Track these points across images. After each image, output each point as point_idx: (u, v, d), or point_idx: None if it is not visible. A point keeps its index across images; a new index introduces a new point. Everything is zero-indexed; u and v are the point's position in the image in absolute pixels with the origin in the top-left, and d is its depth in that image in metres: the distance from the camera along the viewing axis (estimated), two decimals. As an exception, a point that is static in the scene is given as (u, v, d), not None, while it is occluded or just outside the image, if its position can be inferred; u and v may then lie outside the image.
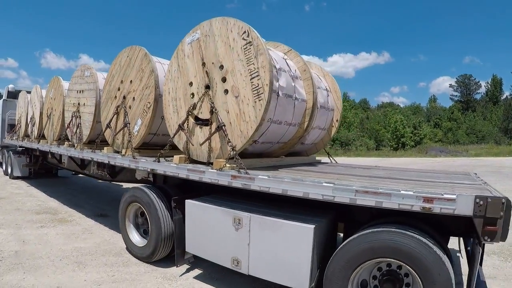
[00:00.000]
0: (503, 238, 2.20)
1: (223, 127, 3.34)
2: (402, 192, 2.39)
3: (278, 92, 3.45)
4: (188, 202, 3.56)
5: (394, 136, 41.85)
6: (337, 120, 5.18)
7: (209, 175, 3.30)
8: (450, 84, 71.03)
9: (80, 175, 9.78)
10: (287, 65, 3.87)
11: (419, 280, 2.36)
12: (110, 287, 3.66)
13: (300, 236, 2.73)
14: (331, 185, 2.59)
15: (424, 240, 2.38)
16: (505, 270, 4.29)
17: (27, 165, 10.61)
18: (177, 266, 3.88)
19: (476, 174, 4.13)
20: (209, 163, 3.59)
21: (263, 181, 2.89)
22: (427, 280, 2.33)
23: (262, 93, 3.12)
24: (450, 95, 67.10)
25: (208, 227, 3.34)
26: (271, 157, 4.28)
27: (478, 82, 64.00)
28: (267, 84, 3.09)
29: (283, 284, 2.92)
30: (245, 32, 3.33)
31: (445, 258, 2.36)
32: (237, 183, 3.08)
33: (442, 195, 2.29)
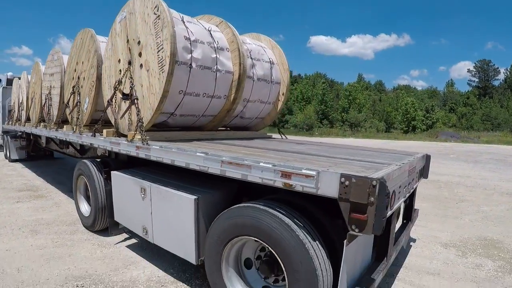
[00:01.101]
0: (377, 230, 1.82)
1: (135, 100, 3.50)
2: (261, 164, 2.17)
3: (190, 64, 3.54)
4: (114, 174, 3.75)
5: (405, 119, 40.85)
6: (283, 94, 5.17)
7: (123, 147, 3.50)
8: (468, 69, 68.32)
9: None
10: (211, 36, 3.92)
11: (282, 266, 2.14)
12: (50, 251, 3.99)
13: (184, 207, 2.71)
14: (203, 155, 2.53)
15: (287, 221, 2.10)
16: (456, 267, 3.77)
17: (22, 147, 11.18)
18: (110, 235, 4.14)
19: (429, 155, 3.64)
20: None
21: (156, 151, 3.02)
22: (289, 266, 2.10)
23: (164, 65, 3.23)
24: (468, 80, 65.11)
25: (126, 197, 3.53)
26: (204, 131, 4.40)
27: (497, 68, 61.37)
28: (168, 56, 3.19)
29: (178, 256, 2.94)
30: (156, 6, 3.42)
31: (311, 245, 2.04)
32: (141, 154, 3.23)
33: (301, 170, 1.99)
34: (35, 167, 10.45)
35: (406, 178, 2.57)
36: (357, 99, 44.20)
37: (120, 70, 3.98)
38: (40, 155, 11.76)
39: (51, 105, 6.74)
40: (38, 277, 3.34)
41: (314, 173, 1.93)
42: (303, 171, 1.98)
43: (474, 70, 63.47)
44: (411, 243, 4.44)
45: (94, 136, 4.24)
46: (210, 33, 3.94)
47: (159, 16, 3.36)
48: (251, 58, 4.53)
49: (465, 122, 46.62)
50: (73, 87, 5.45)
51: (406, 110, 40.92)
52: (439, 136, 33.95)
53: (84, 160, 4.61)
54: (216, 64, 3.85)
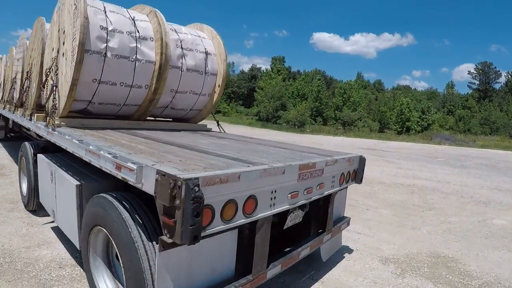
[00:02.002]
0: (185, 239, 1.62)
1: (54, 87, 3.82)
2: (105, 155, 2.20)
3: (105, 54, 3.84)
4: (39, 156, 3.89)
5: (399, 120, 40.83)
6: (219, 86, 5.39)
7: (41, 131, 3.83)
8: (468, 71, 67.73)
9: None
10: (134, 26, 4.17)
11: (120, 261, 2.07)
12: (-18, 226, 4.31)
13: (69, 192, 2.77)
14: (77, 142, 2.68)
15: (125, 215, 2.01)
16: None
17: (0, 128, 11.60)
18: (38, 215, 4.44)
19: (363, 158, 3.48)
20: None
21: (56, 137, 3.32)
22: (124, 263, 2.02)
23: (74, 54, 3.54)
24: (468, 82, 64.50)
25: (44, 179, 3.70)
26: (131, 120, 4.66)
27: (498, 71, 60.88)
28: (77, 45, 3.50)
29: (71, 240, 3.01)
30: (77, -3, 3.73)
31: (143, 245, 1.91)
32: (51, 138, 3.53)
33: (126, 163, 1.93)
34: (10, 147, 10.80)
35: (290, 182, 2.37)
36: (351, 97, 44.14)
37: (54, 58, 4.29)
38: (22, 137, 12.10)
39: (15, 89, 7.10)
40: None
41: (135, 167, 1.87)
42: (128, 164, 1.93)
43: (475, 72, 63.01)
44: (346, 254, 4.09)
45: (30, 120, 4.57)
46: (134, 22, 4.19)
47: (76, 6, 3.65)
48: (181, 48, 4.76)
49: (462, 125, 46.46)
50: (27, 72, 5.79)
51: (401, 111, 40.88)
52: (433, 138, 33.94)
53: (25, 142, 4.94)
54: (136, 54, 4.13)
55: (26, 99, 5.72)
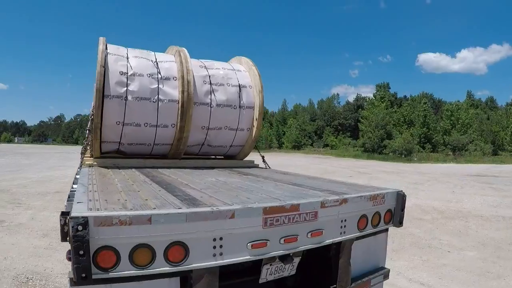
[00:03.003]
0: (75, 278, 1.58)
1: (87, 131, 4.08)
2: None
3: (125, 97, 3.89)
4: None
5: (514, 139, 32.29)
6: (256, 119, 4.95)
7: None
8: None
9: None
10: (157, 67, 4.19)
11: None
12: None
13: None
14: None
15: None
16: None
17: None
18: None
19: (402, 194, 2.84)
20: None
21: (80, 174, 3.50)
22: None
23: (95, 100, 3.70)
24: None
25: None
26: (168, 159, 4.60)
27: None
28: (95, 92, 3.65)
29: None
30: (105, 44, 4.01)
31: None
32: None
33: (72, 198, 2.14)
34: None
35: (249, 229, 1.99)
36: (460, 119, 37.45)
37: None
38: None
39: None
40: None
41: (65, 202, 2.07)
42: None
43: None
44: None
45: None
46: (157, 64, 4.23)
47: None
48: (210, 84, 4.58)
49: None
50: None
51: (515, 129, 32.47)
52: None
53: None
54: (158, 94, 4.10)
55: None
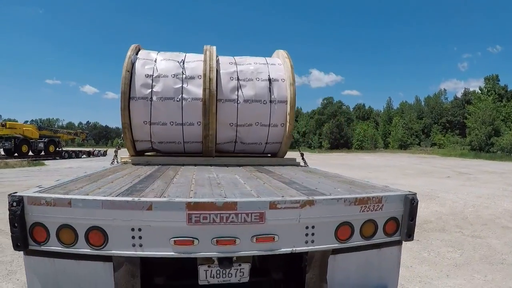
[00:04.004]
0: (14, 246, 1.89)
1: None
2: None
3: (150, 98, 4.08)
4: None
5: None
6: (288, 113, 4.50)
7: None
8: None
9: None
10: (183, 68, 4.28)
11: None
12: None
13: None
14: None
15: None
16: None
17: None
18: None
19: (409, 197, 2.24)
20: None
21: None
22: None
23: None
24: None
25: None
26: (201, 156, 4.64)
27: None
28: (121, 95, 3.94)
29: None
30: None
31: None
32: None
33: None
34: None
35: (172, 224, 1.88)
36: None
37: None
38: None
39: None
40: None
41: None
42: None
43: None
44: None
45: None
46: (183, 65, 4.33)
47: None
48: (237, 79, 4.45)
49: None
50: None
51: None
52: None
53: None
54: (182, 93, 4.17)
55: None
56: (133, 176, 2.95)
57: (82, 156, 33.18)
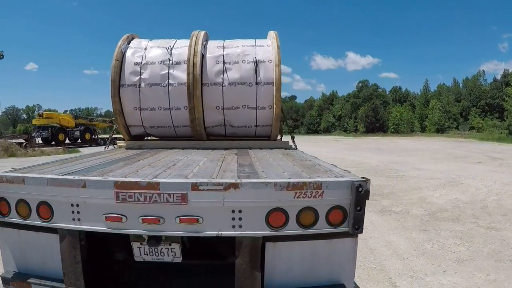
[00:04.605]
0: None
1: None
2: None
3: (139, 84, 4.32)
4: None
5: None
6: (273, 95, 4.46)
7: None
8: None
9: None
10: (170, 54, 4.42)
11: None
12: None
13: None
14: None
15: None
16: None
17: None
18: None
19: (356, 183, 2.02)
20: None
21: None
22: None
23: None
24: None
25: None
26: (192, 140, 4.80)
27: None
28: (110, 82, 4.22)
29: None
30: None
31: None
32: None
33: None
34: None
35: (103, 201, 2.04)
36: None
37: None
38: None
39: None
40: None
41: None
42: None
43: None
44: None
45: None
46: (171, 51, 4.49)
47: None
48: (223, 63, 4.52)
49: None
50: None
51: None
52: None
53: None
54: (168, 79, 4.36)
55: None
56: (109, 159, 3.21)
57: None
